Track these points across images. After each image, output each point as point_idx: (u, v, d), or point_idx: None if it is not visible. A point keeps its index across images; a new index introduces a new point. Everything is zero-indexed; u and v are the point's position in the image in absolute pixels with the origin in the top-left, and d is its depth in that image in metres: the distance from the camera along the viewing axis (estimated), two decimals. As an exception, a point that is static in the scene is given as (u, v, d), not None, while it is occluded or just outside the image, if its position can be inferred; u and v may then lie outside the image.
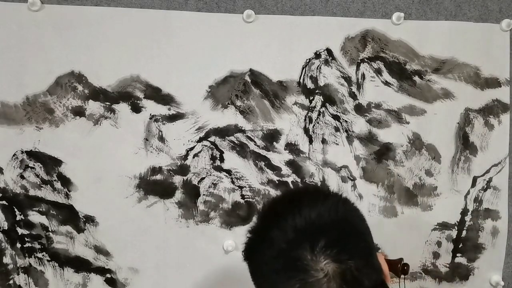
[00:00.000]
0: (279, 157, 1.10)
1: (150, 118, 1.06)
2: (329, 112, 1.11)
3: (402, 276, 0.92)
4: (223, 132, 1.08)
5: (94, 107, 1.04)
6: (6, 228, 1.04)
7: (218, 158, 1.08)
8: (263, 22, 1.08)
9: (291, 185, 1.10)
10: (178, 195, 1.08)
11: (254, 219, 0.62)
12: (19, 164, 1.03)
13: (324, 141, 1.11)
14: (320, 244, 0.51)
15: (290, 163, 1.10)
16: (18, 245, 1.04)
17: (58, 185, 1.04)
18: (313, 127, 1.11)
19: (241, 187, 1.09)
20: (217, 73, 1.07)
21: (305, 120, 1.10)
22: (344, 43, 1.11)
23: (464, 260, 1.18)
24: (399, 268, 0.93)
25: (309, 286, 0.51)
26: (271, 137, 1.10)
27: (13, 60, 1.01)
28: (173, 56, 1.05)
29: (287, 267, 0.52)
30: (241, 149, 1.09)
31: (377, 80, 1.12)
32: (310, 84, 1.10)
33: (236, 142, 1.09)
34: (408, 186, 1.15)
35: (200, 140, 1.08)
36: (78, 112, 1.04)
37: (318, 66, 1.10)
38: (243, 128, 1.09)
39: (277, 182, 1.10)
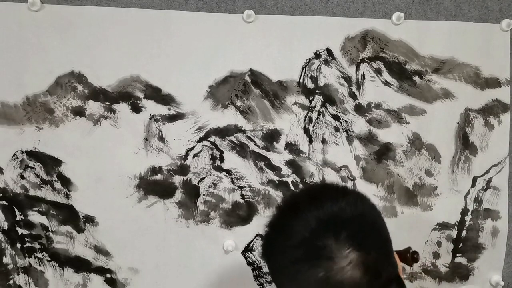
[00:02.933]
0: (279, 157, 1.10)
1: (150, 118, 1.06)
2: (329, 112, 1.11)
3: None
4: (223, 132, 1.08)
5: (94, 107, 1.04)
6: (6, 228, 1.04)
7: (218, 158, 1.08)
8: (263, 22, 1.08)
9: (291, 185, 1.10)
10: (178, 195, 1.08)
11: (272, 213, 0.62)
12: (19, 164, 1.03)
13: (324, 141, 1.11)
14: (343, 234, 0.53)
15: (290, 163, 1.10)
16: (18, 245, 1.04)
17: (58, 185, 1.04)
18: (313, 127, 1.11)
19: (241, 187, 1.09)
20: (217, 73, 1.07)
21: (305, 120, 1.10)
22: (344, 43, 1.11)
23: (464, 260, 1.18)
24: (409, 257, 0.97)
25: (333, 274, 0.51)
26: (271, 137, 1.10)
27: (13, 60, 1.01)
28: (173, 56, 1.05)
29: (310, 255, 0.53)
30: (241, 149, 1.09)
31: (377, 80, 1.12)
32: (310, 84, 1.10)
33: (236, 142, 1.09)
34: (408, 186, 1.15)
35: (200, 140, 1.08)
36: (78, 112, 1.04)
37: (318, 66, 1.10)
38: (243, 128, 1.09)
39: (277, 182, 1.10)
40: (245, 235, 1.10)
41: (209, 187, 1.08)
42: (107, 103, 1.05)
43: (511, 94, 1.17)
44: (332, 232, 0.53)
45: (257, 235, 1.10)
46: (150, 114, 1.06)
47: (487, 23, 1.15)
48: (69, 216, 1.05)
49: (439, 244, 1.17)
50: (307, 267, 0.53)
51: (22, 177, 1.03)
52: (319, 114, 1.11)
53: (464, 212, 1.17)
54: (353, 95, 1.12)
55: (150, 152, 1.06)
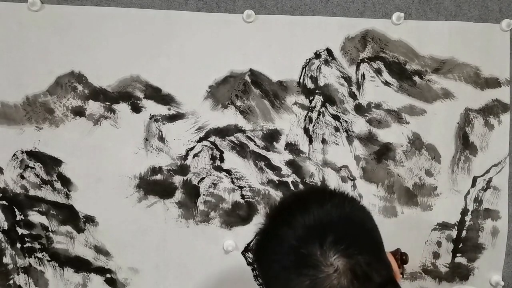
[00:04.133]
0: (279, 157, 1.10)
1: (150, 118, 1.06)
2: (329, 112, 1.11)
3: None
4: (223, 132, 1.08)
5: (94, 107, 1.04)
6: (6, 228, 1.04)
7: (218, 158, 1.08)
8: (263, 22, 1.08)
9: (291, 185, 1.10)
10: (178, 195, 1.08)
11: (262, 220, 0.62)
12: (19, 164, 1.03)
13: (324, 141, 1.11)
14: (328, 240, 0.52)
15: (290, 163, 1.10)
16: (18, 245, 1.04)
17: (58, 185, 1.04)
18: (313, 127, 1.11)
19: (241, 187, 1.09)
20: (217, 73, 1.07)
21: (305, 120, 1.10)
22: (344, 43, 1.11)
23: (464, 260, 1.18)
24: (397, 258, 0.96)
25: (319, 282, 0.51)
26: (271, 137, 1.10)
27: (13, 60, 1.01)
28: (173, 56, 1.05)
29: (297, 263, 0.53)
30: (241, 149, 1.09)
31: (377, 80, 1.12)
32: (310, 84, 1.10)
33: (236, 142, 1.09)
34: (408, 186, 1.14)
35: (200, 140, 1.08)
36: (78, 112, 1.04)
37: (318, 66, 1.10)
38: (243, 128, 1.09)
39: (277, 182, 1.10)
40: (245, 235, 1.10)
41: (209, 187, 1.08)
42: (107, 103, 1.05)
43: (511, 94, 1.17)
44: (318, 239, 0.52)
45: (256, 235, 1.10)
46: (150, 114, 1.06)
47: (487, 23, 1.15)
48: (69, 216, 1.05)
49: (439, 244, 1.17)
50: (295, 275, 0.52)
51: (22, 177, 1.03)
52: (319, 114, 1.11)
53: (464, 212, 1.17)
54: (353, 95, 1.12)
55: (150, 152, 1.06)
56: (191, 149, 1.08)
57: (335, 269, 0.51)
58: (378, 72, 1.12)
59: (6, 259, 1.04)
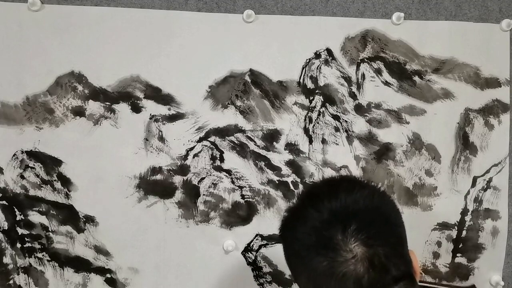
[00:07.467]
0: (279, 157, 1.10)
1: (150, 118, 1.06)
2: (329, 112, 1.11)
3: None
4: (223, 132, 1.08)
5: (94, 107, 1.04)
6: (6, 228, 1.04)
7: (218, 158, 1.08)
8: (263, 22, 1.08)
9: (291, 185, 1.10)
10: (178, 195, 1.08)
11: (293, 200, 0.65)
12: (19, 164, 1.03)
13: (324, 141, 1.11)
14: (352, 227, 0.53)
15: (290, 163, 1.10)
16: (18, 245, 1.04)
17: (58, 185, 1.04)
18: (313, 127, 1.11)
19: (241, 187, 1.09)
20: (217, 73, 1.07)
21: (305, 120, 1.10)
22: (344, 43, 1.11)
23: (464, 260, 1.18)
24: None
25: (336, 265, 0.53)
26: (271, 137, 1.10)
27: (13, 60, 1.01)
28: (173, 56, 1.05)
29: (318, 244, 0.55)
30: (241, 149, 1.09)
31: (377, 80, 1.12)
32: (310, 84, 1.10)
33: (236, 142, 1.09)
34: (408, 186, 1.14)
35: (200, 140, 1.08)
36: (78, 112, 1.04)
37: (318, 66, 1.10)
38: (243, 128, 1.09)
39: (277, 182, 1.10)
40: (245, 235, 1.10)
41: (209, 187, 1.08)
42: (107, 103, 1.05)
43: (511, 94, 1.17)
44: (341, 224, 0.54)
45: (257, 235, 1.10)
46: (150, 114, 1.06)
47: (487, 23, 1.15)
48: (69, 216, 1.05)
49: (439, 244, 1.17)
50: (314, 255, 0.54)
51: (22, 177, 1.03)
52: (319, 114, 1.11)
53: (464, 212, 1.17)
54: (353, 95, 1.12)
55: (150, 152, 1.06)
56: (191, 149, 1.08)
57: (353, 255, 0.52)
58: (378, 72, 1.12)
59: (6, 259, 1.04)
